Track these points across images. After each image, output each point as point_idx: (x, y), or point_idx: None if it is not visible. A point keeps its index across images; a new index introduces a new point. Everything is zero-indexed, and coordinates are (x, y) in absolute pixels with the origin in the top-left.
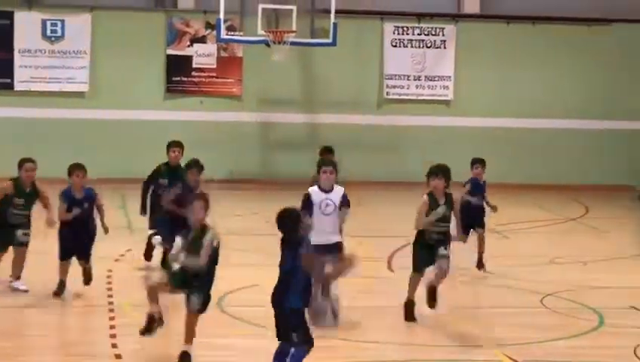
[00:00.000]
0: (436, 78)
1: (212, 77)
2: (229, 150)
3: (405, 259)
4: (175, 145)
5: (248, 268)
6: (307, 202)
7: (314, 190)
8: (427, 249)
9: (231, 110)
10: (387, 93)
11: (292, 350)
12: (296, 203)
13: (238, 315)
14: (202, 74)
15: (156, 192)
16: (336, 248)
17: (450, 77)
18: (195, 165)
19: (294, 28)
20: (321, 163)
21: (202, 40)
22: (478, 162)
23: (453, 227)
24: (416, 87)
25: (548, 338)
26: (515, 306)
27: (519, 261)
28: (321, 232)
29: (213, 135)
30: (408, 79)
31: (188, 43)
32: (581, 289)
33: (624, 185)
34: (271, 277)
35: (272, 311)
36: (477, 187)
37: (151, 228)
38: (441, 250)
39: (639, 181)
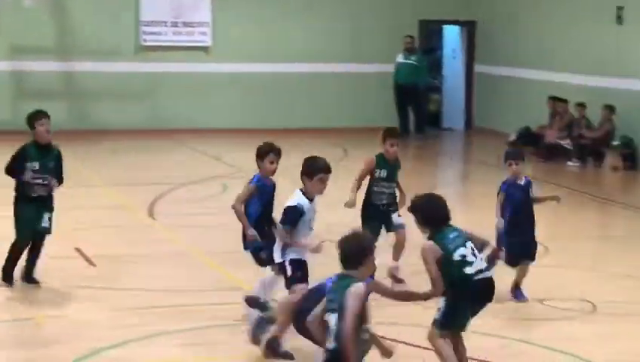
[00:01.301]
0: (194, 25)
1: None
2: None
3: (167, 206)
4: None
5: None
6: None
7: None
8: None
9: None
10: (144, 40)
11: None
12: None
13: None
14: None
15: None
16: None
17: (208, 23)
18: None
19: None
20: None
21: None
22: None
23: None
24: (174, 33)
25: None
26: None
27: None
28: None
29: None
30: (165, 26)
31: None
32: None
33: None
34: None
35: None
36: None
37: None
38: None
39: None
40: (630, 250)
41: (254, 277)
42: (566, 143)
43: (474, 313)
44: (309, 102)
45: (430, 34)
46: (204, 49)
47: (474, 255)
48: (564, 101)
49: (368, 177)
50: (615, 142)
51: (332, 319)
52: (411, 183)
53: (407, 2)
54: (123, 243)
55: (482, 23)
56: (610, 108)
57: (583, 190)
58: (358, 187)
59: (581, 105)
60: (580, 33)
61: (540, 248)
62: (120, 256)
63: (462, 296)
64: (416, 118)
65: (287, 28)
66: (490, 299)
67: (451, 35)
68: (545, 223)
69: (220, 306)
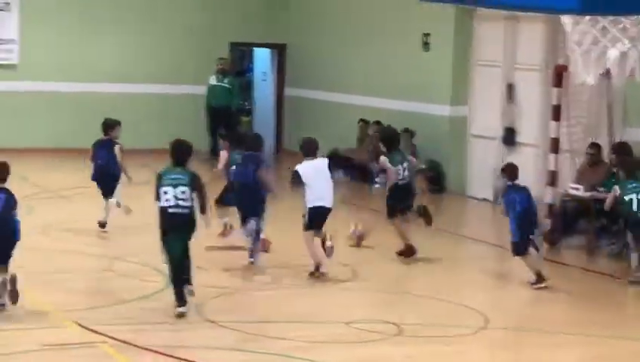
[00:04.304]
0: (1, 42)
1: None
2: None
3: None
4: None
5: None
6: None
7: None
8: None
9: None
10: None
11: None
12: None
13: None
14: None
15: None
16: None
17: (14, 40)
18: None
19: None
20: None
21: None
22: None
23: None
24: None
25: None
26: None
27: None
28: None
29: None
30: None
31: None
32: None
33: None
34: None
35: None
36: None
37: None
38: None
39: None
40: (434, 272)
41: (62, 300)
42: (372, 167)
43: None
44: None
45: (241, 56)
46: (12, 67)
47: None
48: (375, 123)
49: None
50: (422, 166)
51: None
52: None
53: (219, 24)
54: None
55: (292, 46)
56: (409, 132)
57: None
58: None
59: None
60: (388, 58)
61: (346, 270)
62: None
63: None
64: None
65: (98, 47)
66: None
67: (262, 58)
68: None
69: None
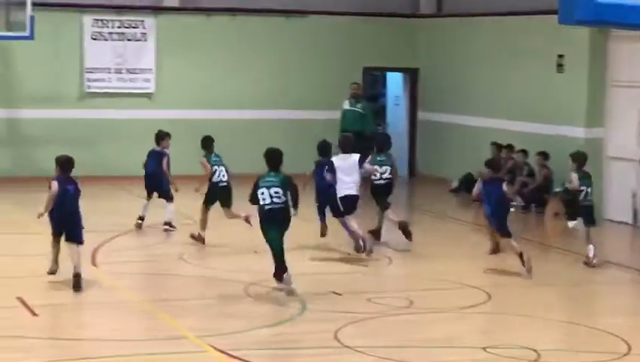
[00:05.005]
0: (137, 71)
1: None
2: None
3: (109, 254)
4: None
5: None
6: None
7: None
8: None
9: None
10: (88, 87)
11: None
12: None
13: None
14: None
15: None
16: None
17: (151, 70)
18: None
19: None
20: None
21: None
22: None
23: None
24: (118, 80)
25: (253, 326)
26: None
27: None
28: None
29: None
30: (109, 72)
31: None
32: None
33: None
34: None
35: None
36: None
37: None
38: None
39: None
40: (570, 296)
41: (196, 324)
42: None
43: None
44: (258, 148)
45: (374, 81)
46: (148, 95)
47: None
48: (507, 148)
49: None
50: (557, 189)
51: None
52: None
53: (352, 49)
54: (65, 292)
55: (425, 70)
56: (543, 155)
57: (525, 236)
58: None
59: (523, 152)
60: (521, 80)
61: (481, 294)
62: (62, 304)
63: None
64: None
65: (234, 74)
66: None
67: (394, 82)
68: (484, 269)
69: (162, 356)
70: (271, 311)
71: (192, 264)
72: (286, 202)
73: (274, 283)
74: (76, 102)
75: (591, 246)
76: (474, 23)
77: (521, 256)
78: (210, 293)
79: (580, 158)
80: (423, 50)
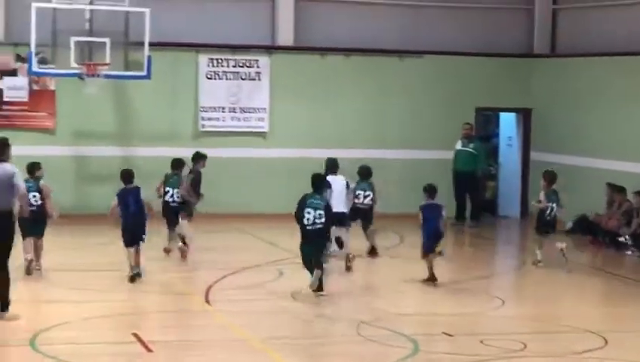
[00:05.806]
0: (251, 110)
1: (24, 110)
2: None
3: (223, 292)
4: None
5: (64, 305)
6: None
7: None
8: None
9: (44, 144)
10: (202, 126)
11: None
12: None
13: (52, 353)
14: (13, 107)
15: None
16: None
17: (265, 109)
18: None
19: (108, 60)
20: None
21: (13, 73)
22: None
23: None
24: (232, 118)
25: None
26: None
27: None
28: None
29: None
30: (223, 111)
31: None
32: (394, 317)
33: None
34: (85, 314)
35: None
36: None
37: None
38: None
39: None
40: None
41: None
42: (622, 233)
43: None
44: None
45: (487, 121)
46: (262, 134)
47: None
48: (622, 189)
49: None
50: None
51: None
52: (467, 269)
53: (465, 90)
54: (179, 329)
55: (538, 110)
56: None
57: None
58: None
59: (638, 194)
60: (636, 120)
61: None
62: (176, 341)
63: None
64: (472, 205)
65: (342, 114)
66: None
67: (507, 123)
68: (600, 314)
69: None
70: (382, 351)
71: (301, 302)
72: (324, 223)
73: (388, 324)
74: (191, 141)
75: None
76: (588, 63)
77: None
78: (321, 333)
79: None
80: (536, 90)
